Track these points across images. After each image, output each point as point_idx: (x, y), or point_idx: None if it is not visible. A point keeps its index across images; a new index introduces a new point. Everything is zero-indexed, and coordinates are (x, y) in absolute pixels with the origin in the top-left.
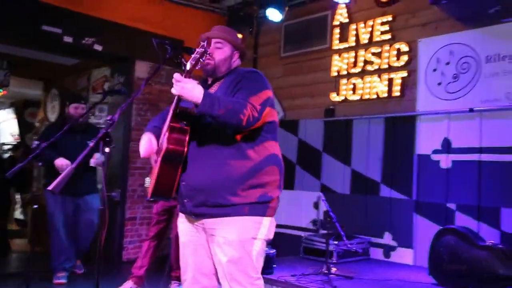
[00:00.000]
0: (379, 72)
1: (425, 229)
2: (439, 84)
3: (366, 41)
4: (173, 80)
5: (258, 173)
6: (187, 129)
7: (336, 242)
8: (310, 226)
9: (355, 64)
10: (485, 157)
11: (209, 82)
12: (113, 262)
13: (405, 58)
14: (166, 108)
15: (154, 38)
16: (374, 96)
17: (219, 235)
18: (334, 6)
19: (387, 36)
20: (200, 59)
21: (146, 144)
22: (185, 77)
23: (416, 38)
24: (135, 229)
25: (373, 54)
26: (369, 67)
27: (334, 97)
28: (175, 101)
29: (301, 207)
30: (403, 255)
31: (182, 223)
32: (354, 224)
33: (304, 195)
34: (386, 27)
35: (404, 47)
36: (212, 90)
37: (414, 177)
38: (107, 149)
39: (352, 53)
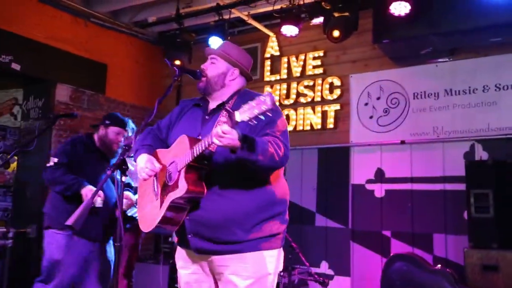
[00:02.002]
0: (312, 104)
1: (362, 257)
2: (371, 117)
3: (298, 74)
4: (219, 132)
5: (271, 205)
6: (205, 169)
7: (281, 274)
8: None
9: (287, 96)
10: (416, 186)
11: (214, 106)
12: None
13: (337, 92)
14: (157, 125)
15: (74, 60)
16: (308, 128)
17: (232, 273)
18: (265, 39)
19: (320, 70)
20: (260, 116)
21: (151, 165)
22: (232, 127)
23: (347, 73)
24: None
25: (306, 87)
26: (302, 99)
27: None
28: (204, 145)
29: None
30: (340, 284)
31: (182, 261)
32: (290, 254)
33: None
34: (318, 62)
35: (337, 81)
36: (220, 118)
37: (349, 206)
38: (124, 178)
39: (284, 85)
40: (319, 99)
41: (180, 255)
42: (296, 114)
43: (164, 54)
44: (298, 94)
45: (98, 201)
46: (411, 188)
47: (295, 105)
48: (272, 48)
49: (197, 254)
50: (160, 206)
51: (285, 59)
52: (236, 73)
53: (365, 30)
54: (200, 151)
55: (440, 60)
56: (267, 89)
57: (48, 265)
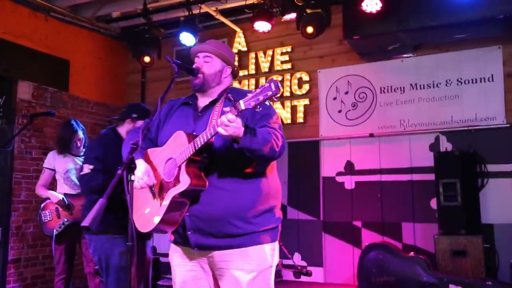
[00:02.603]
0: (281, 99)
1: (333, 247)
2: (340, 111)
3: (266, 70)
4: (224, 121)
5: (268, 198)
6: (205, 162)
7: None
8: None
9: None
10: (385, 177)
11: (206, 103)
12: None
13: (306, 87)
14: (147, 125)
15: (35, 56)
16: None
17: (235, 268)
18: (231, 34)
19: (288, 66)
20: (266, 101)
21: (148, 176)
22: (237, 116)
23: (315, 68)
24: (19, 273)
25: None
26: None
27: None
28: (207, 136)
29: None
30: (313, 274)
31: (178, 258)
32: None
33: None
34: (286, 57)
35: (305, 77)
36: (216, 112)
37: (320, 199)
38: (133, 177)
39: (253, 81)
40: (288, 94)
41: (175, 253)
42: None
43: (131, 49)
44: None
45: None
46: (380, 180)
47: None
48: (240, 43)
49: (197, 251)
50: (160, 204)
51: (252, 55)
52: (229, 71)
53: (332, 26)
54: (203, 143)
55: (405, 55)
56: (235, 84)
57: (116, 271)
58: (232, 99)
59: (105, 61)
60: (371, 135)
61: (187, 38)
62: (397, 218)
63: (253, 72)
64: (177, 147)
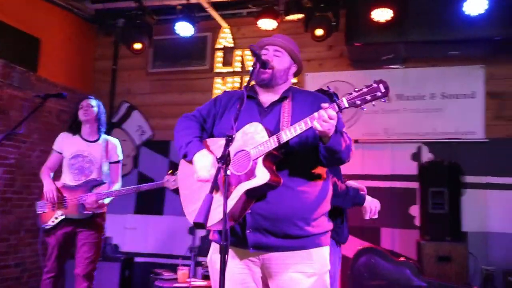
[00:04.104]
0: None
1: None
2: None
3: (252, 68)
4: (324, 115)
5: (326, 201)
6: (281, 158)
7: None
8: (188, 253)
9: (240, 89)
10: (366, 183)
11: (273, 99)
12: None
13: None
14: (200, 113)
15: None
16: None
17: (295, 271)
18: (216, 29)
19: None
20: (373, 102)
21: (212, 168)
22: (337, 113)
23: (303, 72)
24: None
25: None
26: None
27: None
28: (295, 130)
29: (175, 234)
30: None
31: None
32: None
33: (177, 220)
34: None
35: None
36: (286, 109)
37: None
38: (228, 172)
39: (237, 78)
40: None
41: (218, 253)
42: None
43: (118, 35)
44: None
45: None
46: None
47: None
48: (225, 39)
49: (253, 251)
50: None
51: (238, 52)
52: (294, 69)
53: None
54: (290, 137)
55: (392, 66)
56: (217, 80)
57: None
58: (332, 92)
59: (74, 43)
60: (356, 141)
61: (183, 28)
62: (377, 223)
63: (238, 69)
64: (250, 139)
